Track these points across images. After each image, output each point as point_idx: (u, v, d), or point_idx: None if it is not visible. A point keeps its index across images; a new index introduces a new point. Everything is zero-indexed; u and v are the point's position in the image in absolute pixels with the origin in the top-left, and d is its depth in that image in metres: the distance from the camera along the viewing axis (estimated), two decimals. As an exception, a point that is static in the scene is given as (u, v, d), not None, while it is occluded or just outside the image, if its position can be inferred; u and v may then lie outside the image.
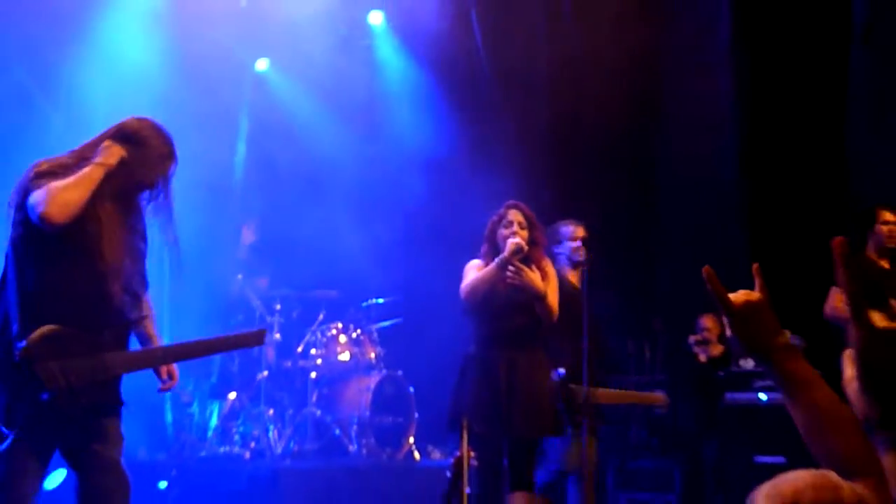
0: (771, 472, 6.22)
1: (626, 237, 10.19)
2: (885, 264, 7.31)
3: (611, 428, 8.94)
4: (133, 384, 9.31)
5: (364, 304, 9.78)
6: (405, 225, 10.15)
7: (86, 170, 4.32)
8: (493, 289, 5.81)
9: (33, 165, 4.39)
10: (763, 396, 8.76)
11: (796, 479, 1.76)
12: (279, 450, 8.84)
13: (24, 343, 4.13)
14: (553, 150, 10.30)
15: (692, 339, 8.91)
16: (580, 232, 6.64)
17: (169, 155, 4.68)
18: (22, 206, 4.31)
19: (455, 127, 10.02)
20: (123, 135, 4.55)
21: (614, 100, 10.00)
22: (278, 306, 9.47)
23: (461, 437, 5.68)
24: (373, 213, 10.13)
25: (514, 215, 5.93)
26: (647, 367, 9.57)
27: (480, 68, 10.81)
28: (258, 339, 4.95)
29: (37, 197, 4.18)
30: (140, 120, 4.70)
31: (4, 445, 4.15)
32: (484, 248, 6.02)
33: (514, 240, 5.75)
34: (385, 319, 9.76)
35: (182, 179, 9.51)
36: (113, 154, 4.39)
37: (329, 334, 9.33)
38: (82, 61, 9.85)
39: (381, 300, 9.85)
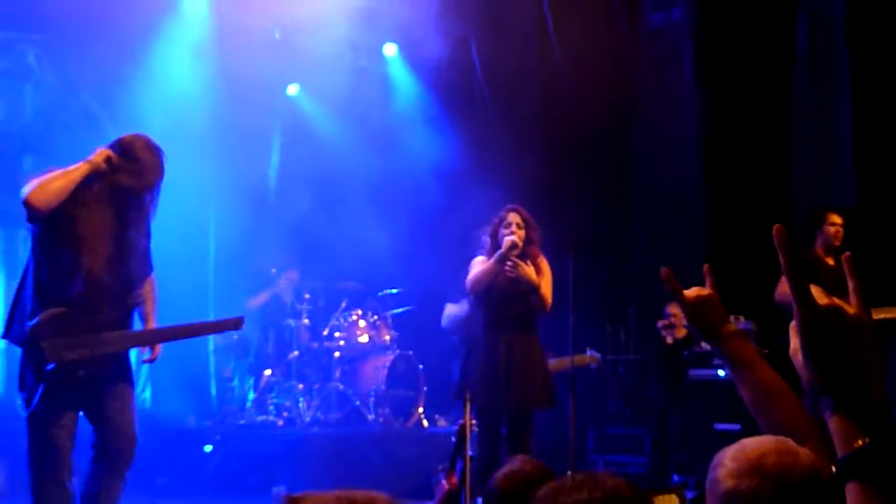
0: (728, 438, 7.06)
1: (604, 237, 10.19)
2: (830, 261, 7.44)
3: (590, 399, 9.26)
4: (181, 362, 9.97)
5: (380, 293, 10.04)
6: (416, 226, 10.14)
7: (72, 167, 4.51)
8: (493, 280, 6.00)
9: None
10: (721, 373, 8.91)
11: (761, 443, 1.76)
12: (308, 418, 9.16)
13: (32, 323, 4.36)
14: (543, 163, 10.39)
15: (660, 323, 9.08)
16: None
17: (156, 167, 4.75)
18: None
19: (458, 142, 10.20)
20: (119, 146, 4.73)
21: (594, 121, 10.21)
22: (307, 296, 9.75)
23: (465, 408, 5.78)
24: (388, 216, 10.14)
25: (513, 217, 6.08)
26: (621, 347, 9.87)
27: (480, 91, 10.90)
28: (237, 324, 5.12)
29: (26, 186, 4.38)
30: (136, 136, 4.89)
31: (30, 409, 4.37)
32: (487, 246, 6.19)
33: (510, 237, 5.90)
34: (398, 307, 9.98)
35: (227, 185, 10.16)
36: (99, 154, 4.59)
37: (350, 319, 9.62)
38: (139, 86, 10.08)
39: (395, 290, 10.03)
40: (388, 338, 9.67)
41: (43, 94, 9.95)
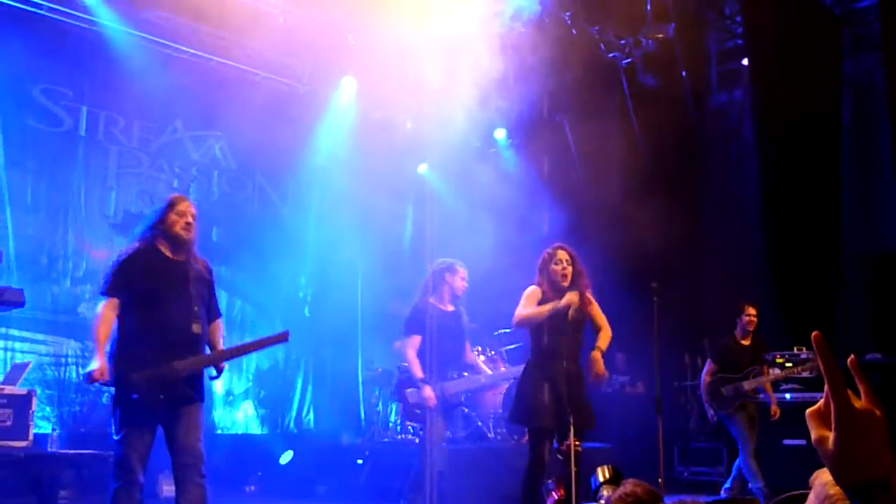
0: (795, 451, 6.78)
1: (682, 281, 9.85)
2: (746, 342, 7.85)
3: (675, 418, 9.16)
4: (337, 391, 10.02)
5: (495, 333, 9.87)
6: (523, 278, 9.91)
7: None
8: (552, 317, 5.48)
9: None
10: (788, 396, 8.74)
11: None
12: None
13: (120, 363, 4.30)
14: (627, 220, 9.91)
15: None
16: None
17: (184, 211, 4.56)
18: None
19: (557, 208, 10.13)
20: (167, 204, 4.60)
21: (670, 186, 10.17)
22: None
23: (569, 430, 5.30)
24: (499, 269, 9.63)
25: (562, 254, 5.66)
26: (699, 373, 9.21)
27: (573, 165, 10.89)
28: (284, 338, 4.72)
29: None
30: (174, 194, 4.81)
31: (118, 436, 4.27)
32: (538, 279, 5.71)
33: (570, 300, 5.48)
34: (510, 344, 9.74)
35: (371, 245, 10.27)
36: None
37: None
38: (300, 169, 10.41)
39: (507, 330, 9.68)
40: (502, 369, 9.26)
41: (226, 178, 10.21)
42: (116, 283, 4.38)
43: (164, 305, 4.34)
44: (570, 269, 5.62)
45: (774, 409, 8.02)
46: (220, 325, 4.76)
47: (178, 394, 4.33)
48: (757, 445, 7.77)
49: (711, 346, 8.35)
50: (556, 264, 5.63)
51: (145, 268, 4.39)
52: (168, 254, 4.48)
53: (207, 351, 4.62)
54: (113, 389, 4.33)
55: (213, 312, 4.69)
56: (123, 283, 4.38)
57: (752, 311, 7.84)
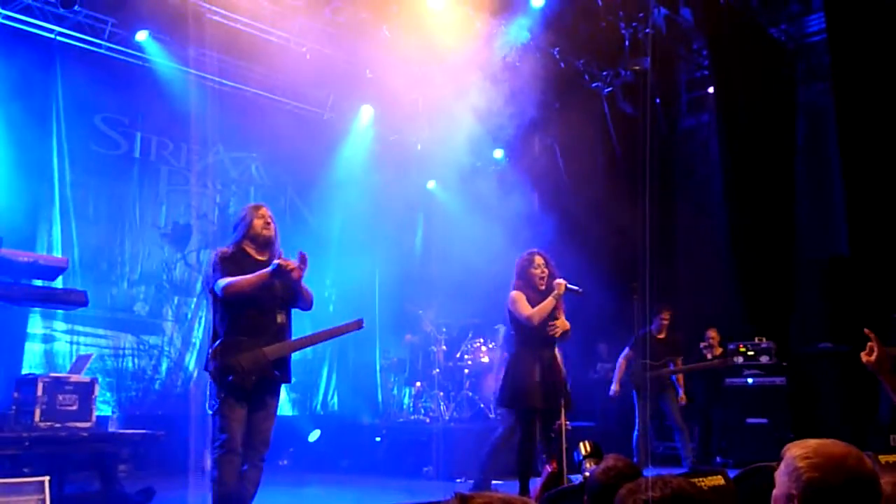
0: (757, 429, 6.77)
1: (659, 285, 9.73)
2: (661, 336, 8.10)
3: (651, 399, 8.89)
4: (358, 378, 10.01)
5: (495, 326, 9.55)
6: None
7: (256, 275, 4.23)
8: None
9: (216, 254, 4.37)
10: (750, 380, 8.78)
11: (840, 445, 1.62)
12: (447, 417, 9.04)
13: (218, 350, 4.20)
14: (612, 230, 9.75)
15: (702, 344, 8.86)
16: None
17: (263, 214, 4.46)
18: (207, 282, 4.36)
19: (550, 218, 9.99)
20: (249, 210, 4.49)
21: (643, 197, 10.19)
22: (444, 329, 9.64)
23: (562, 411, 5.21)
24: (502, 272, 9.89)
25: (539, 259, 5.46)
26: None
27: (563, 182, 10.82)
28: (359, 325, 4.60)
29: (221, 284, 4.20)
30: (253, 203, 4.66)
31: (215, 407, 4.16)
32: (518, 283, 5.45)
33: (562, 281, 5.33)
34: (509, 335, 9.87)
35: (386, 252, 10.29)
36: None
37: (475, 345, 9.49)
38: (326, 184, 10.37)
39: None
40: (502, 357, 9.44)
41: (261, 193, 10.15)
42: (226, 271, 4.27)
43: (253, 299, 4.22)
44: (546, 271, 5.42)
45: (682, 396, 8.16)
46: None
47: (268, 376, 4.24)
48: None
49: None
50: (536, 268, 5.42)
51: (237, 267, 4.28)
52: (254, 254, 4.38)
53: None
54: (212, 370, 4.21)
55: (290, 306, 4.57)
56: (233, 273, 4.27)
57: (666, 315, 8.07)
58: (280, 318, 4.32)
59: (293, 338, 4.44)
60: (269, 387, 4.29)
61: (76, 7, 7.80)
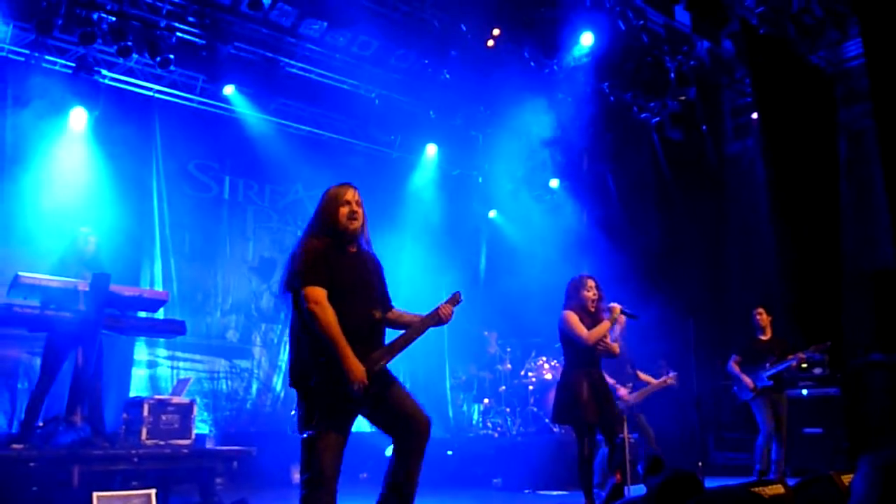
0: (814, 439, 6.45)
1: (713, 301, 9.94)
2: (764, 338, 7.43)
3: (709, 413, 8.82)
4: (429, 394, 9.97)
5: (556, 345, 9.48)
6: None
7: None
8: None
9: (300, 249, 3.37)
10: (805, 392, 8.50)
11: None
12: (514, 431, 8.95)
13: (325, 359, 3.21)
14: (664, 253, 9.85)
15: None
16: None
17: (341, 190, 3.56)
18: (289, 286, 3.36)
19: (604, 246, 9.68)
20: (331, 196, 3.56)
21: (697, 215, 10.11)
22: (509, 349, 9.57)
23: (623, 425, 5.18)
24: (553, 293, 9.72)
25: (591, 282, 5.24)
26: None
27: (614, 207, 10.61)
28: (456, 300, 3.72)
29: (309, 302, 3.20)
30: (334, 185, 3.65)
31: (312, 432, 3.17)
32: (570, 304, 5.21)
33: (617, 305, 5.19)
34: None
35: (453, 276, 10.26)
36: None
37: (538, 363, 9.30)
38: (395, 215, 10.10)
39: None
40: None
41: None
42: (317, 274, 3.26)
43: (346, 296, 3.30)
44: (598, 294, 5.22)
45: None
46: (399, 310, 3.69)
47: (381, 380, 3.37)
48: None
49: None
50: (588, 290, 5.20)
51: (325, 262, 3.30)
52: (342, 247, 3.42)
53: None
54: (313, 385, 3.21)
55: (386, 301, 3.63)
56: (325, 274, 3.28)
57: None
58: (376, 315, 3.46)
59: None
60: (386, 383, 3.44)
61: (171, 67, 8.12)
